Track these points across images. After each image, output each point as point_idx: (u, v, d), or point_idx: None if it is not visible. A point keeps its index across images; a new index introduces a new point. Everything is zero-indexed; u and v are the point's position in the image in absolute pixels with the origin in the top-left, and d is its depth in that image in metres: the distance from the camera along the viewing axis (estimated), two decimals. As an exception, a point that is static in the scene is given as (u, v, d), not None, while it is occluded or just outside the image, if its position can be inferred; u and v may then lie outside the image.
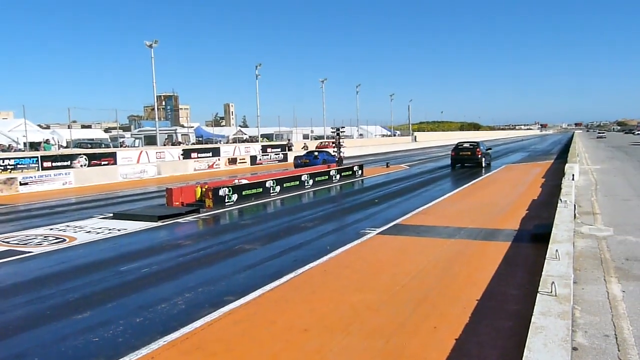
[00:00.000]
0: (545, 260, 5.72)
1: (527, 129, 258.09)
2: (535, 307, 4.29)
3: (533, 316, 4.08)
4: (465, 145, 29.61)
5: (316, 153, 33.30)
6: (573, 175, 15.82)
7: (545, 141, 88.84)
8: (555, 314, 4.11)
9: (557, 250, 5.92)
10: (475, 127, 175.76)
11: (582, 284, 6.67)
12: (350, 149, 44.79)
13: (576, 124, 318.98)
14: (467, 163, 28.82)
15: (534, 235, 9.51)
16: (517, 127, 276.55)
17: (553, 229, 7.52)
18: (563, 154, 35.91)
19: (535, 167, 27.94)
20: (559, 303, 4.35)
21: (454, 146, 30.28)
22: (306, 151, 36.73)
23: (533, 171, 25.43)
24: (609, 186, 17.48)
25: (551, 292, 4.57)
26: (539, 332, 3.76)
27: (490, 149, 31.82)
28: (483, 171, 26.20)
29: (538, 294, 4.59)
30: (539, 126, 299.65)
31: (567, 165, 18.97)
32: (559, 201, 10.16)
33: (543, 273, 5.23)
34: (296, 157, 33.79)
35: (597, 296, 6.23)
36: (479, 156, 28.19)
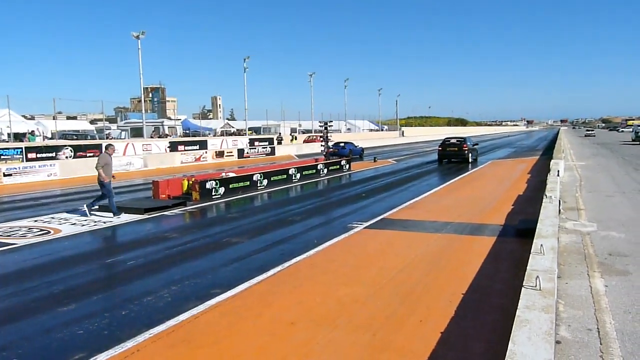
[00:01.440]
0: (530, 255, 5.78)
1: (514, 125, 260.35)
2: (520, 300, 4.34)
3: (518, 310, 4.12)
4: (452, 140, 29.74)
5: (342, 144, 37.22)
6: (558, 171, 15.98)
7: (531, 137, 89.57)
8: (540, 307, 4.16)
9: (541, 245, 5.97)
10: (463, 122, 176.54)
11: (566, 279, 6.76)
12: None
13: (562, 121, 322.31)
14: (453, 158, 29.01)
15: (519, 230, 9.60)
16: (503, 123, 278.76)
17: (538, 224, 7.59)
18: (548, 150, 36.24)
19: (521, 163, 28.18)
20: (543, 297, 4.40)
21: (441, 141, 30.50)
22: (334, 142, 37.85)
23: (519, 167, 25.65)
24: (594, 182, 17.69)
25: (535, 286, 4.61)
26: (523, 325, 3.80)
27: (477, 144, 32.16)
28: (469, 166, 26.37)
29: (523, 288, 4.64)
30: (525, 122, 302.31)
31: (552, 162, 19.16)
32: (544, 197, 10.26)
33: (528, 267, 5.29)
34: (327, 147, 34.40)
35: (581, 291, 6.31)
36: (466, 152, 28.40)
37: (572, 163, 25.96)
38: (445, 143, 29.54)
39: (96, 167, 12.39)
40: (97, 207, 12.97)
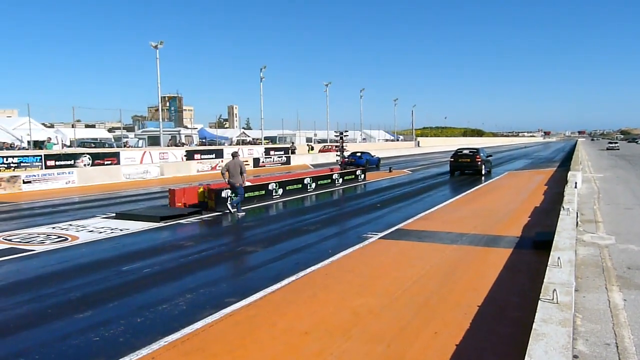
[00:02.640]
0: (547, 268, 5.72)
1: (530, 136, 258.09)
2: (536, 313, 4.29)
3: (534, 323, 4.08)
4: (465, 152, 28.52)
5: (359, 154, 37.87)
6: (576, 183, 15.80)
7: (548, 149, 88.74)
8: (557, 321, 4.11)
9: (559, 258, 5.91)
10: (479, 133, 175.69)
11: (583, 292, 6.66)
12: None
13: (579, 132, 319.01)
14: (466, 170, 27.83)
15: (536, 242, 9.50)
16: (520, 134, 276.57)
17: (555, 236, 7.51)
18: (566, 162, 35.86)
19: (538, 175, 27.91)
20: (561, 310, 4.35)
21: (453, 152, 29.39)
22: (350, 152, 38.65)
23: (536, 178, 25.40)
24: (612, 194, 17.46)
25: (553, 299, 4.56)
26: (540, 339, 3.75)
27: (490, 155, 31.72)
28: (483, 179, 26.09)
29: (539, 301, 4.59)
30: (542, 133, 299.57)
31: (569, 173, 18.94)
32: (562, 209, 10.14)
33: (545, 280, 5.23)
34: (342, 157, 34.57)
35: (599, 304, 6.22)
36: (479, 163, 27.21)
37: (590, 175, 25.65)
38: (457, 154, 28.33)
39: (240, 173, 14.76)
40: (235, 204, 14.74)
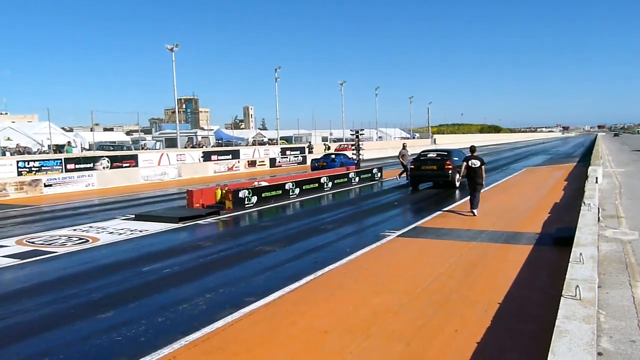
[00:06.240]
0: (569, 264, 5.65)
1: (549, 132, 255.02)
2: (559, 310, 4.24)
3: (557, 320, 4.03)
4: (431, 155, 20.64)
5: (333, 156, 32.16)
6: (596, 178, 15.58)
7: (567, 144, 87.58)
8: (580, 318, 4.05)
9: (581, 254, 5.83)
10: (496, 129, 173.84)
11: (606, 288, 6.56)
12: (370, 151, 44.69)
13: (599, 126, 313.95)
14: (432, 180, 20.48)
15: (557, 238, 9.37)
16: (538, 129, 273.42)
17: (576, 232, 7.41)
18: (586, 157, 35.35)
19: (557, 170, 27.55)
20: (584, 307, 4.29)
21: (415, 156, 21.49)
22: (324, 154, 36.69)
23: (555, 174, 25.08)
24: (634, 189, 17.16)
25: (575, 295, 4.50)
26: (563, 336, 3.71)
27: (482, 161, 17.68)
28: (503, 174, 25.56)
29: (562, 298, 4.53)
30: (561, 128, 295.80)
31: (590, 168, 18.69)
32: (582, 204, 10.01)
33: (567, 277, 5.16)
34: (313, 160, 33.36)
35: (622, 301, 6.11)
36: (449, 171, 19.26)
37: (611, 169, 25.25)
38: (420, 159, 20.60)
39: (398, 157, 23.87)
40: (404, 176, 21.38)
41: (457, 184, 19.43)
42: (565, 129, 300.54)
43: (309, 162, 41.60)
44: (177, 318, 6.24)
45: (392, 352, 4.96)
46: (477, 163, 13.31)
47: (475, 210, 13.00)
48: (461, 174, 14.76)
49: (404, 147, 24.10)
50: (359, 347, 5.10)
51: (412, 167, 20.47)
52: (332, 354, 4.96)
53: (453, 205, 15.05)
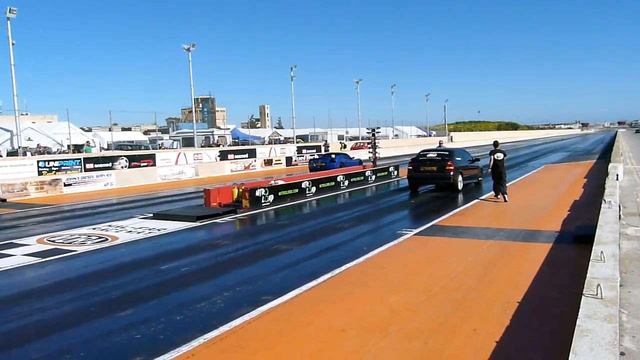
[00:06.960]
0: (590, 262, 5.56)
1: (568, 128, 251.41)
2: (580, 309, 4.17)
3: (578, 319, 3.97)
4: (431, 155, 18.90)
5: (333, 156, 30.67)
6: (617, 175, 15.32)
7: (587, 140, 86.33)
8: (602, 317, 3.99)
9: (602, 252, 5.74)
10: (514, 126, 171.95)
11: (628, 287, 6.45)
12: (386, 149, 44.52)
13: (619, 123, 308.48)
14: (432, 182, 19.05)
15: (577, 236, 9.25)
16: (557, 126, 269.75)
17: (597, 230, 7.30)
18: (606, 154, 34.81)
19: (576, 167, 27.19)
20: (605, 306, 4.22)
21: (414, 156, 19.82)
22: (323, 154, 35.75)
23: (574, 171, 24.75)
24: (656, 186, 16.85)
25: (596, 294, 4.43)
26: (584, 335, 3.65)
27: (502, 155, 16.56)
28: (521, 172, 25.30)
29: (583, 297, 4.47)
30: (580, 125, 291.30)
31: (610, 165, 18.37)
32: (603, 202, 9.85)
33: (588, 275, 5.08)
34: (311, 160, 31.76)
35: (645, 300, 6.01)
36: (450, 173, 17.67)
37: (632, 166, 24.83)
38: (419, 159, 18.94)
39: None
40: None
41: (460, 186, 17.90)
42: (585, 125, 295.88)
43: (325, 161, 41.63)
44: (196, 316, 6.28)
45: (410, 350, 4.94)
46: (501, 156, 15.00)
47: (505, 195, 14.64)
48: (489, 167, 15.23)
49: (440, 144, 24.01)
50: (376, 345, 5.09)
51: (410, 167, 18.85)
52: (350, 353, 4.96)
53: (470, 203, 14.94)
